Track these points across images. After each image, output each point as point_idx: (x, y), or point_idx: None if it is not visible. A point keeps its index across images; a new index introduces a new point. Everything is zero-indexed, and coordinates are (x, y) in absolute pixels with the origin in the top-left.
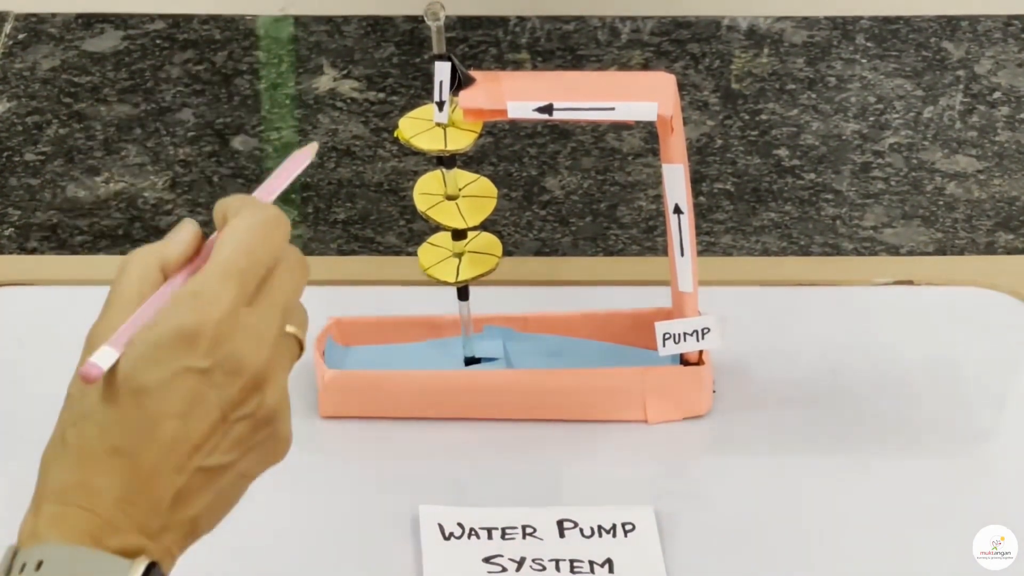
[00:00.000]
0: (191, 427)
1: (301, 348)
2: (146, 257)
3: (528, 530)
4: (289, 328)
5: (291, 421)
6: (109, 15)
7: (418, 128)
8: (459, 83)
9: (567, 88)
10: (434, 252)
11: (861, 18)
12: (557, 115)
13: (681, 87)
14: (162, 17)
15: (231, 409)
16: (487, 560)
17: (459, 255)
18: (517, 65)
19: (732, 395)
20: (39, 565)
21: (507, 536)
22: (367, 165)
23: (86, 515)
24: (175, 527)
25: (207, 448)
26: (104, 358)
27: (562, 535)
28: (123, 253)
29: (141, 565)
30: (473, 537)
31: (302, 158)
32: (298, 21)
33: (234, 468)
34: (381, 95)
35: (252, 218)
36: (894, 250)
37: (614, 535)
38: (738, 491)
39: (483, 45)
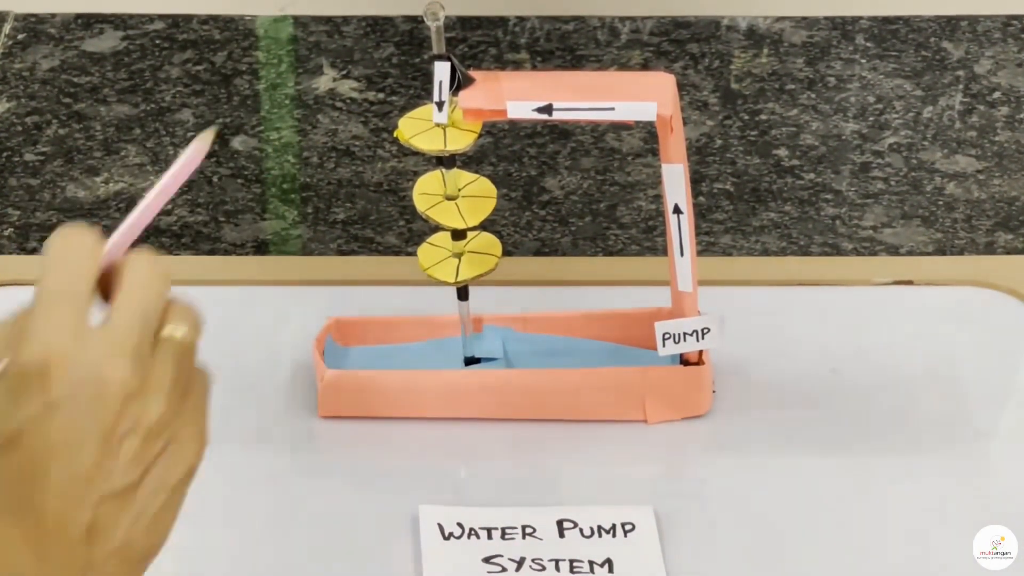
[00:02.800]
0: (75, 461)
1: (191, 345)
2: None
3: (528, 530)
4: (166, 331)
5: (200, 420)
6: (109, 15)
7: (418, 128)
8: (458, 83)
9: (567, 88)
10: (434, 252)
11: (861, 18)
12: (557, 115)
13: (680, 87)
14: (161, 17)
15: (110, 429)
16: (487, 560)
17: (459, 255)
18: (516, 65)
19: (732, 395)
20: None
21: (507, 536)
22: (367, 165)
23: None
24: (103, 560)
25: (101, 476)
26: None
27: (562, 535)
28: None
29: None
30: (473, 537)
31: (194, 155)
32: (297, 21)
33: (143, 486)
34: (381, 95)
35: (58, 240)
36: (894, 250)
37: (614, 535)
38: (738, 491)
39: (482, 45)
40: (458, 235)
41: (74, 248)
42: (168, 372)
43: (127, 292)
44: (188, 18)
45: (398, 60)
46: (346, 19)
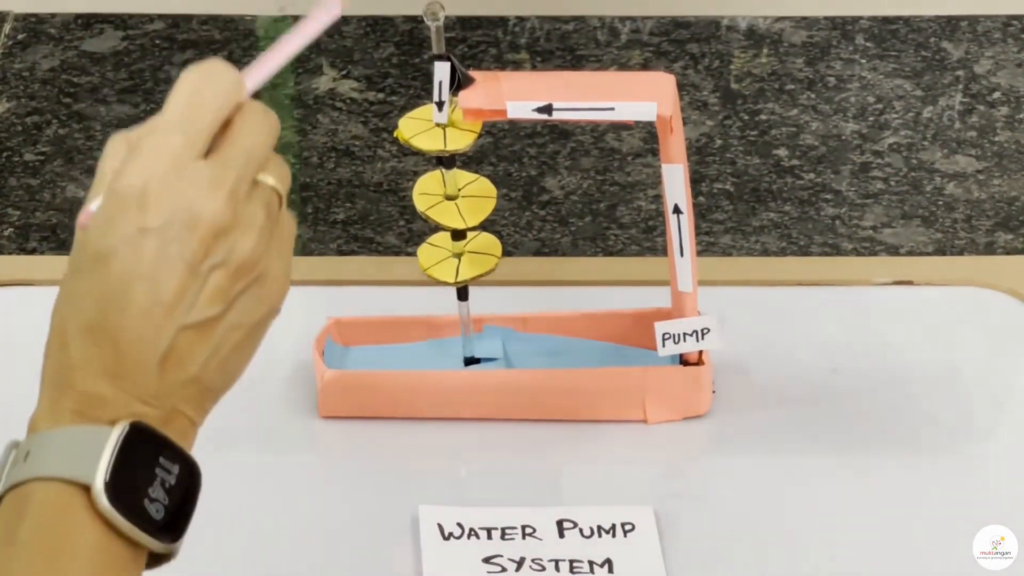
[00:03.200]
0: (159, 287)
1: (280, 199)
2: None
3: (528, 530)
4: (261, 177)
5: (284, 264)
6: (108, 15)
7: (417, 128)
8: (458, 83)
9: (566, 88)
10: (434, 252)
11: (860, 18)
12: (556, 115)
13: (680, 87)
14: (161, 17)
15: (197, 261)
16: (487, 560)
17: (459, 255)
18: (516, 65)
19: (732, 395)
20: (27, 456)
21: (507, 536)
22: (366, 165)
23: (73, 395)
24: (175, 389)
25: (184, 305)
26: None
27: (562, 535)
28: None
29: (118, 429)
30: (473, 537)
31: (319, 16)
32: (297, 21)
33: (223, 320)
34: (380, 95)
35: (193, 72)
36: (893, 250)
37: (614, 535)
38: (738, 491)
39: (482, 45)
40: (458, 235)
41: (209, 81)
42: (260, 214)
43: (236, 133)
44: (188, 18)
45: (398, 60)
46: (346, 19)
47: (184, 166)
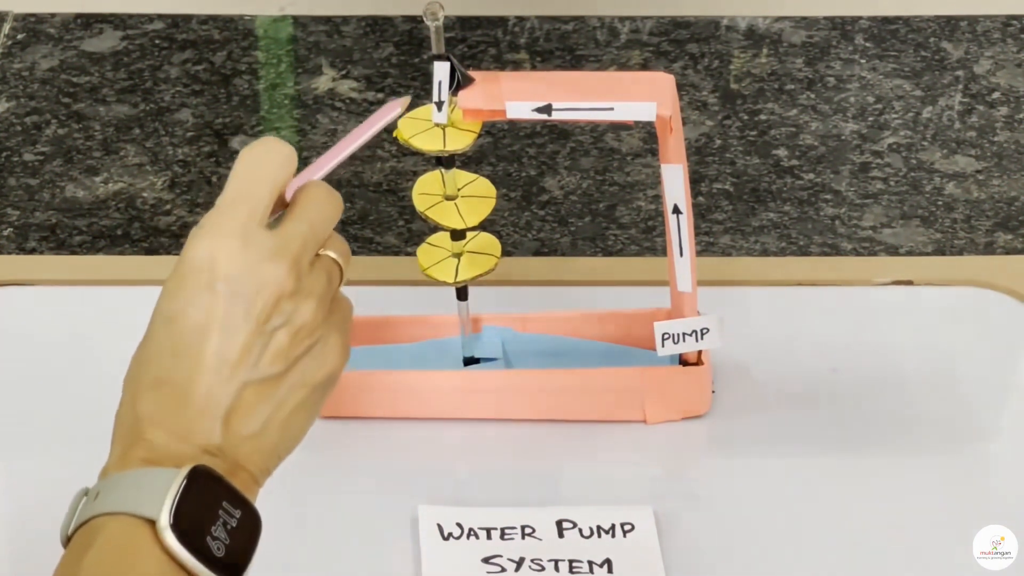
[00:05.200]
0: (226, 343)
1: (341, 272)
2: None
3: (527, 530)
4: (322, 251)
5: (344, 335)
6: (108, 15)
7: (417, 128)
8: (458, 83)
9: (566, 88)
10: (433, 252)
11: (860, 18)
12: (556, 115)
13: (680, 87)
14: (161, 17)
15: (263, 321)
16: (486, 560)
17: (458, 255)
18: (516, 65)
19: (731, 395)
20: (97, 495)
21: (506, 536)
22: (366, 165)
23: (143, 445)
24: (238, 444)
25: (248, 362)
26: None
27: (561, 535)
28: (122, 253)
29: (185, 470)
30: (472, 537)
31: (386, 112)
32: (297, 21)
33: (285, 380)
34: (380, 95)
35: (252, 149)
36: (893, 250)
37: (613, 535)
38: (737, 491)
39: (482, 45)
40: (457, 235)
41: (266, 156)
42: (321, 283)
43: (302, 207)
44: (187, 18)
45: (397, 60)
46: (345, 19)
47: (248, 235)
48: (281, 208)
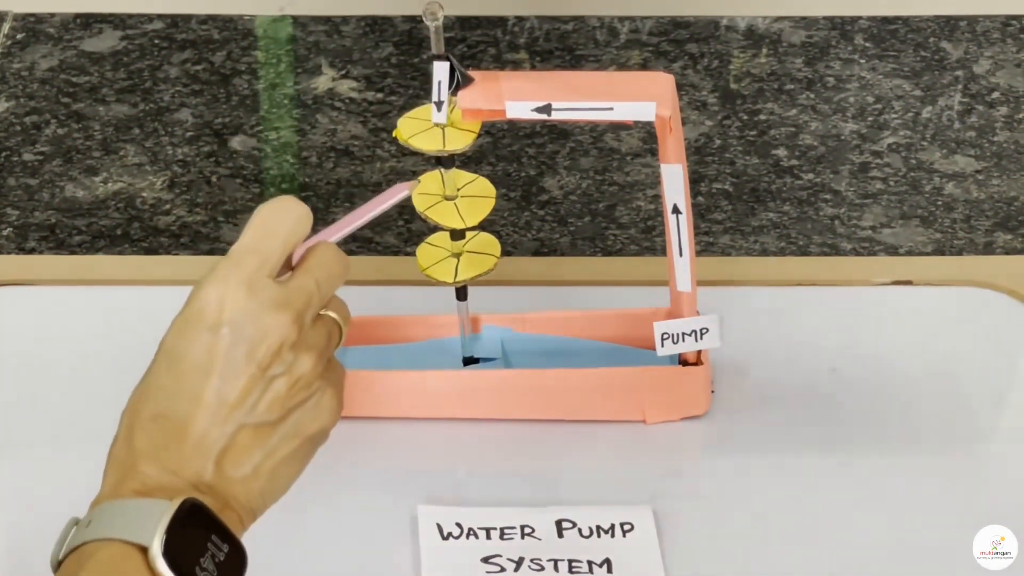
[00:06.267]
0: (226, 385)
1: (341, 332)
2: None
3: (527, 530)
4: (325, 311)
5: (338, 393)
6: (107, 15)
7: (416, 128)
8: (457, 83)
9: (565, 88)
10: (432, 252)
11: (859, 18)
12: (556, 115)
13: (680, 87)
14: (160, 17)
15: (263, 368)
16: (485, 560)
17: (457, 255)
18: (516, 65)
19: (730, 395)
20: (88, 523)
21: (506, 536)
22: (365, 165)
23: (136, 477)
24: (228, 485)
25: (246, 406)
26: None
27: (560, 535)
28: (121, 253)
29: (177, 501)
30: (472, 537)
31: (395, 192)
32: (296, 21)
33: (279, 428)
34: (379, 95)
35: (270, 205)
36: (893, 250)
37: (612, 535)
38: (736, 491)
39: (481, 45)
40: (457, 235)
41: (283, 213)
42: (321, 339)
43: (310, 264)
44: (187, 18)
45: (397, 60)
46: (345, 19)
47: (257, 284)
48: (288, 270)
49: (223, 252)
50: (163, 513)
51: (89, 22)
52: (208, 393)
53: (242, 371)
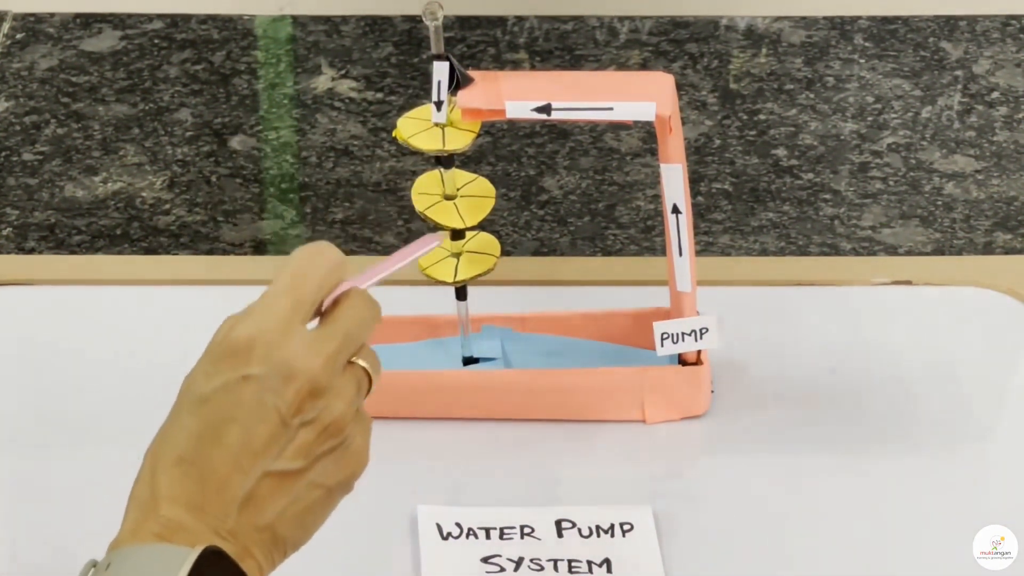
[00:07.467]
0: (252, 432)
1: (370, 381)
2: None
3: (526, 530)
4: (355, 359)
5: (365, 443)
6: (107, 15)
7: (416, 128)
8: (457, 83)
9: (565, 88)
10: (432, 252)
11: (859, 18)
12: (555, 115)
13: (679, 87)
14: (160, 17)
15: (290, 414)
16: (485, 560)
17: (457, 255)
18: (515, 65)
19: (730, 395)
20: (108, 567)
21: (505, 536)
22: (365, 165)
23: (158, 520)
24: (250, 531)
25: (272, 453)
26: None
27: (560, 535)
28: (121, 253)
29: (198, 549)
30: (471, 537)
31: (423, 244)
32: (296, 21)
33: (304, 476)
34: (379, 95)
35: (307, 249)
36: (892, 250)
37: (612, 535)
38: (736, 491)
39: (481, 45)
40: (457, 235)
41: (319, 258)
42: (351, 388)
43: (343, 312)
44: (187, 18)
45: (397, 60)
46: (345, 19)
47: (289, 328)
48: (318, 315)
49: (223, 252)
50: (184, 560)
51: (89, 22)
52: (233, 439)
53: (269, 417)
